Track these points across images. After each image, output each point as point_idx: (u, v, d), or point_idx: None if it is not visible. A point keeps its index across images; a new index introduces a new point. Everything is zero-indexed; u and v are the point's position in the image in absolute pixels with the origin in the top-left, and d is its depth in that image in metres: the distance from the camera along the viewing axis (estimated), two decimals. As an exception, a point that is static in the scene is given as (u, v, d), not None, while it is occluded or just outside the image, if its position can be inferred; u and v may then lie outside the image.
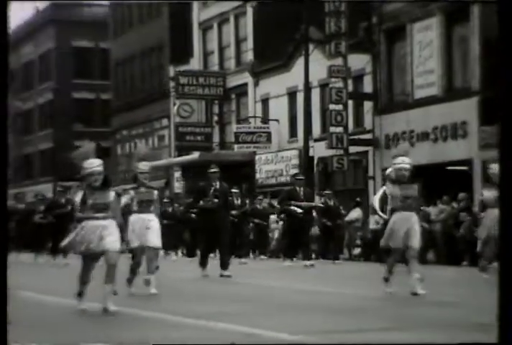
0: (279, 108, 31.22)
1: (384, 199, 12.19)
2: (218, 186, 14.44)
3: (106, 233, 8.67)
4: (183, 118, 34.93)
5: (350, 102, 26.87)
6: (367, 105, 27.08)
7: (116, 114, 43.50)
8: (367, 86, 27.05)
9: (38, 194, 25.64)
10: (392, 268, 10.29)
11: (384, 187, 10.93)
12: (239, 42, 34.21)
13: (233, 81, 33.94)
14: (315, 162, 28.81)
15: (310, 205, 18.33)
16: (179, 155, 36.57)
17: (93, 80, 49.94)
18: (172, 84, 35.72)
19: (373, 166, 26.80)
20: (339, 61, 26.71)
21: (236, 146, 31.74)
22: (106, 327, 7.60)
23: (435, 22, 24.29)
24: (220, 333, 6.93)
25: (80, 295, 8.81)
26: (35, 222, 21.83)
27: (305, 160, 28.22)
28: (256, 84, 32.64)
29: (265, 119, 31.91)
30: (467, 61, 23.39)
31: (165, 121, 38.71)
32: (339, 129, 26.55)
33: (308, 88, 27.65)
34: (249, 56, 33.24)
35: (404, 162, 10.67)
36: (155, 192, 11.19)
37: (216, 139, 34.98)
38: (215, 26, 35.43)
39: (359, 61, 26.59)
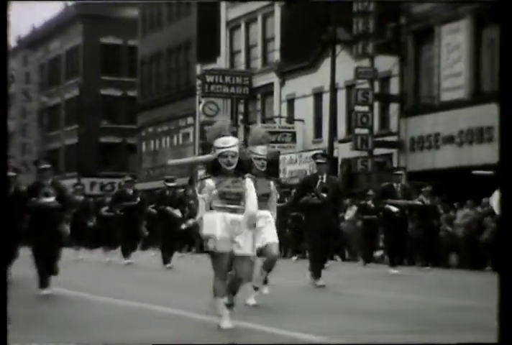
0: (304, 109, 31.15)
1: None
2: (325, 179, 12.35)
3: (239, 230, 7.07)
4: (208, 117, 34.91)
5: (376, 104, 26.76)
6: (393, 107, 26.95)
7: (142, 111, 43.60)
8: (394, 88, 26.92)
9: (106, 185, 23.99)
10: None
11: None
12: (266, 41, 34.17)
13: (259, 81, 33.91)
14: (339, 163, 28.71)
15: (407, 203, 16.05)
16: (203, 153, 36.58)
17: (120, 77, 50.09)
18: (198, 82, 35.75)
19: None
20: (365, 62, 26.60)
21: (260, 145, 31.67)
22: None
23: (464, 25, 24.13)
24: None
25: (213, 310, 7.16)
26: (101, 215, 20.51)
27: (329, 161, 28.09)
28: (282, 84, 32.58)
29: (290, 119, 31.84)
30: (496, 64, 23.21)
31: (190, 119, 38.76)
32: (364, 131, 26.44)
33: (334, 89, 27.57)
34: (275, 56, 33.19)
35: None
36: (272, 183, 9.25)
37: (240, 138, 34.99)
38: (242, 25, 35.42)
39: (386, 63, 26.47)
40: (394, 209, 15.69)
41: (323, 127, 29.72)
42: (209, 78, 34.10)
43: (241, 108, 35.26)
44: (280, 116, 32.27)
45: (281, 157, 31.56)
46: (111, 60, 50.08)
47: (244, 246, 7.07)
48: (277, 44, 33.10)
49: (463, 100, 24.09)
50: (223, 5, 36.52)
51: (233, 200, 7.07)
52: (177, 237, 18.86)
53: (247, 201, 7.12)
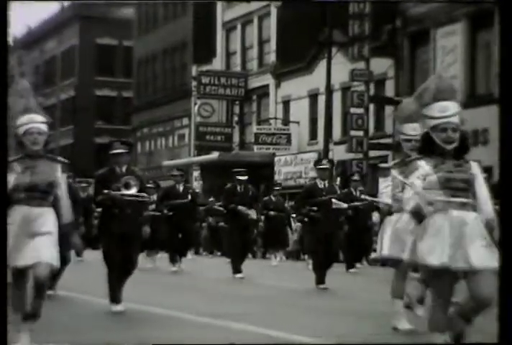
0: (300, 110, 31.17)
1: None
2: None
3: (470, 235, 5.08)
4: (204, 118, 34.95)
5: (371, 106, 26.80)
6: (389, 109, 26.98)
7: (137, 112, 43.58)
8: (389, 90, 26.96)
9: (148, 181, 21.70)
10: None
11: None
12: (262, 43, 34.20)
13: (255, 82, 33.93)
14: (334, 165, 28.73)
15: None
16: (198, 155, 36.59)
17: (116, 77, 50.07)
18: (194, 83, 35.76)
19: (392, 171, 26.70)
20: (361, 64, 26.64)
21: (255, 147, 31.70)
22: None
23: (459, 28, 24.18)
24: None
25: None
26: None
27: (325, 163, 28.12)
28: (277, 85, 32.60)
29: (286, 121, 31.86)
30: (491, 67, 23.26)
31: (185, 120, 38.74)
32: (360, 133, 26.47)
33: (329, 91, 27.60)
34: (271, 57, 33.21)
35: None
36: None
37: (235, 139, 34.98)
38: (238, 26, 35.45)
39: (381, 65, 26.51)
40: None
41: (318, 129, 29.75)
42: (205, 79, 34.13)
43: (236, 109, 35.27)
44: (275, 118, 32.29)
45: (276, 159, 31.58)
46: (107, 61, 50.05)
47: (482, 257, 5.04)
48: (273, 45, 33.12)
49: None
50: (219, 6, 36.54)
51: (459, 191, 5.09)
52: (250, 242, 16.38)
53: (480, 195, 5.22)
